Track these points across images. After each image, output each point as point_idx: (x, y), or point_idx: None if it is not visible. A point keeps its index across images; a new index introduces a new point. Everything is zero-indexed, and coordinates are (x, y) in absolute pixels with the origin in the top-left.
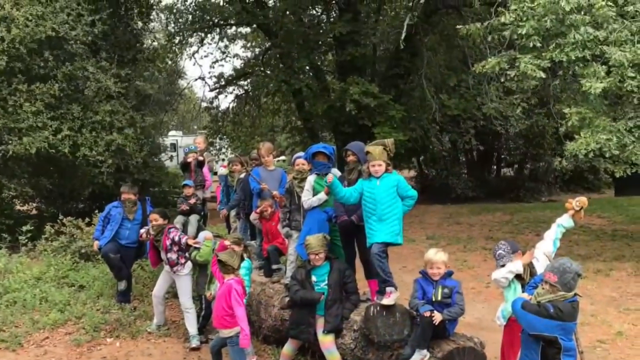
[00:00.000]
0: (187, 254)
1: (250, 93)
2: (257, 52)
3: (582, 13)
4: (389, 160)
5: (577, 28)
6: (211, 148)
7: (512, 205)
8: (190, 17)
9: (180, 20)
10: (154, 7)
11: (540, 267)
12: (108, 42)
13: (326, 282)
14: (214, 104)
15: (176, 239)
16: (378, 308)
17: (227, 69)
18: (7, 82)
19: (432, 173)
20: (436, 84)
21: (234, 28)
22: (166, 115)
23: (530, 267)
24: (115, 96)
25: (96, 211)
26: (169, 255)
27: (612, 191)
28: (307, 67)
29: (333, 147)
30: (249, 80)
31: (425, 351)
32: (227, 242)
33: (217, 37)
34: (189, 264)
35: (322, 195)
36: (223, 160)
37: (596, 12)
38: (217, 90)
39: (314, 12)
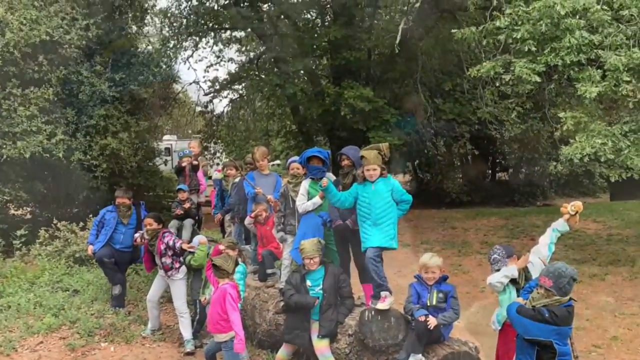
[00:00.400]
0: (181, 259)
1: (245, 97)
2: (251, 57)
3: (577, 17)
4: (384, 164)
5: (572, 32)
6: (205, 152)
7: (507, 210)
8: (184, 21)
9: (174, 24)
10: (149, 11)
11: (535, 271)
12: (102, 46)
13: (321, 286)
14: (209, 108)
15: (170, 243)
16: (373, 312)
17: (222, 73)
18: (1, 86)
19: (427, 177)
20: (431, 88)
21: (228, 32)
22: (160, 120)
23: (525, 271)
24: (109, 100)
25: (90, 215)
26: (163, 259)
27: (608, 195)
28: (302, 72)
29: (328, 151)
30: (243, 85)
31: (420, 356)
32: (221, 247)
33: (211, 41)
34: (184, 269)
35: (316, 200)
36: (217, 164)
37: (591, 16)
38: (212, 95)
39: (309, 16)
